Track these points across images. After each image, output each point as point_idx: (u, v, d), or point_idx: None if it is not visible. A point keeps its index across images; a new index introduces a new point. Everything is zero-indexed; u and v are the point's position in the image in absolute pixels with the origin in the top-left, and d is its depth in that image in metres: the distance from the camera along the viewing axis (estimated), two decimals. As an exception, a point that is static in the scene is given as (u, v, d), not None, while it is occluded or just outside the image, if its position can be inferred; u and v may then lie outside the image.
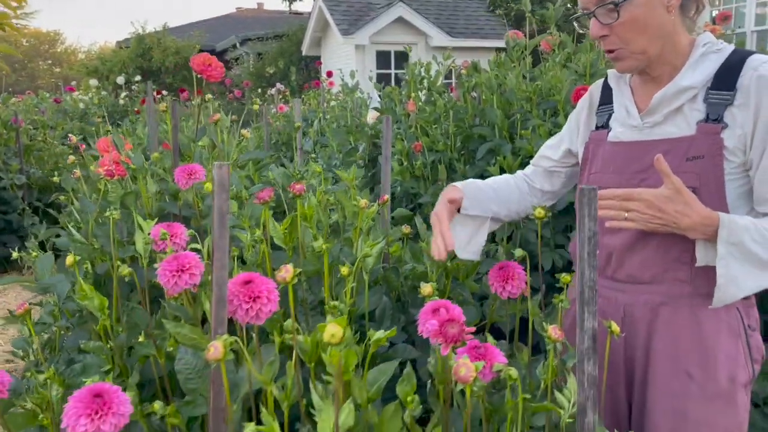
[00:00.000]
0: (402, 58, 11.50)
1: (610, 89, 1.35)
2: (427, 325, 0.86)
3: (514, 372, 0.88)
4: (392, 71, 11.81)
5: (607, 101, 1.35)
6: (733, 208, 1.14)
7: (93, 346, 1.34)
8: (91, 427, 0.83)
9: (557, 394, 0.97)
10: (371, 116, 4.31)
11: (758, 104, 1.11)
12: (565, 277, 1.17)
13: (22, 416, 1.25)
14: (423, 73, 3.59)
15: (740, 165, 1.15)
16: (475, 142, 2.91)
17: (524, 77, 2.87)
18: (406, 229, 1.54)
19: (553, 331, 1.01)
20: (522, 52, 3.06)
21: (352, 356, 0.89)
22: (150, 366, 1.33)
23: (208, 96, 1.94)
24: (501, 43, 12.30)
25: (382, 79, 10.99)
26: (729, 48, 1.19)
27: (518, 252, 1.19)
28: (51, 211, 4.14)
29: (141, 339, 1.17)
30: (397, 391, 0.87)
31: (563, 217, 2.36)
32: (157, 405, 0.93)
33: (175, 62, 12.88)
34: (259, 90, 10.10)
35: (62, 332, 1.67)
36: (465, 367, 0.74)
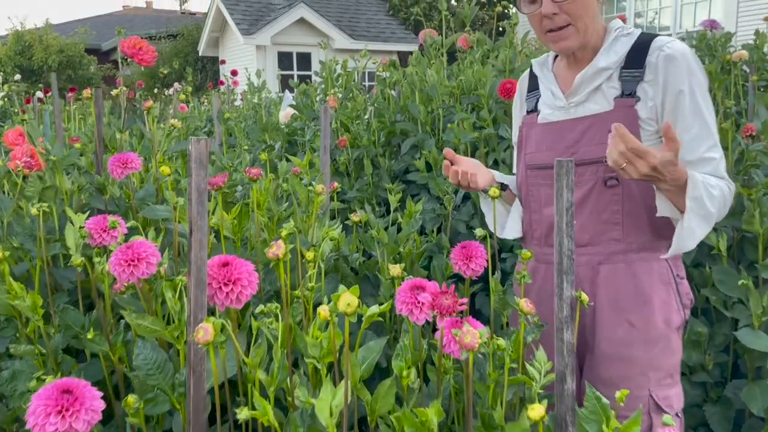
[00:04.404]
0: (304, 59, 11.41)
1: (536, 77, 1.47)
2: (419, 298, 0.85)
3: (501, 342, 0.90)
4: (294, 72, 11.70)
5: (533, 88, 1.46)
6: None
7: (24, 349, 1.23)
8: (62, 425, 0.76)
9: (528, 367, 1.00)
10: (284, 115, 4.24)
11: (665, 80, 1.26)
12: (525, 253, 1.21)
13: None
14: (339, 70, 3.59)
15: (654, 132, 1.29)
16: (398, 137, 2.94)
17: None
18: (355, 216, 1.53)
19: (525, 303, 1.03)
20: (439, 49, 3.14)
21: (338, 337, 0.87)
22: (94, 366, 1.23)
23: (116, 92, 1.82)
24: (401, 47, 12.52)
25: (284, 81, 10.86)
26: (637, 31, 1.33)
27: (479, 232, 1.21)
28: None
29: (90, 335, 1.08)
30: (393, 365, 0.86)
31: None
32: (132, 398, 0.86)
33: (59, 61, 12.04)
34: (155, 91, 9.65)
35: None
36: (470, 334, 0.74)
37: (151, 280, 1.11)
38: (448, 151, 1.42)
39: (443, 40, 3.10)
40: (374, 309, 0.80)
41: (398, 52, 12.19)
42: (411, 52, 3.86)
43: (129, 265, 1.04)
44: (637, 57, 1.29)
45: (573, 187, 0.92)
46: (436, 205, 2.49)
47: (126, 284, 1.10)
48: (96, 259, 1.24)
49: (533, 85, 1.48)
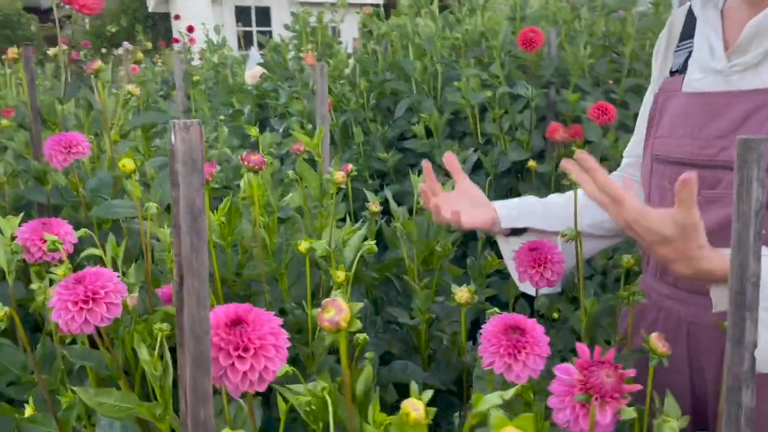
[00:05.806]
0: (263, 15, 10.75)
1: (695, 18, 0.95)
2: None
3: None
4: (254, 29, 11.03)
5: (689, 35, 0.95)
6: None
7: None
8: None
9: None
10: (251, 75, 3.83)
11: None
12: (628, 260, 0.90)
13: None
14: (315, 23, 3.19)
15: None
16: (388, 98, 2.58)
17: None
18: (374, 206, 1.20)
19: (658, 341, 0.73)
20: (429, -4, 2.76)
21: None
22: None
23: (53, 50, 1.44)
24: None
25: (246, 38, 10.25)
26: None
27: (569, 232, 0.90)
28: None
29: (30, 410, 0.74)
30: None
31: (504, 178, 2.12)
32: None
33: (-6, 20, 11.12)
34: (103, 51, 8.94)
35: None
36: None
37: (111, 327, 0.77)
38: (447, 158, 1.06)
39: (433, -16, 2.73)
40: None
41: (371, 5, 11.62)
42: (379, 5, 3.48)
43: (81, 309, 0.69)
44: None
45: (765, 182, 0.61)
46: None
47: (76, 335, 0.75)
48: (34, 285, 0.89)
49: (689, 30, 0.95)
